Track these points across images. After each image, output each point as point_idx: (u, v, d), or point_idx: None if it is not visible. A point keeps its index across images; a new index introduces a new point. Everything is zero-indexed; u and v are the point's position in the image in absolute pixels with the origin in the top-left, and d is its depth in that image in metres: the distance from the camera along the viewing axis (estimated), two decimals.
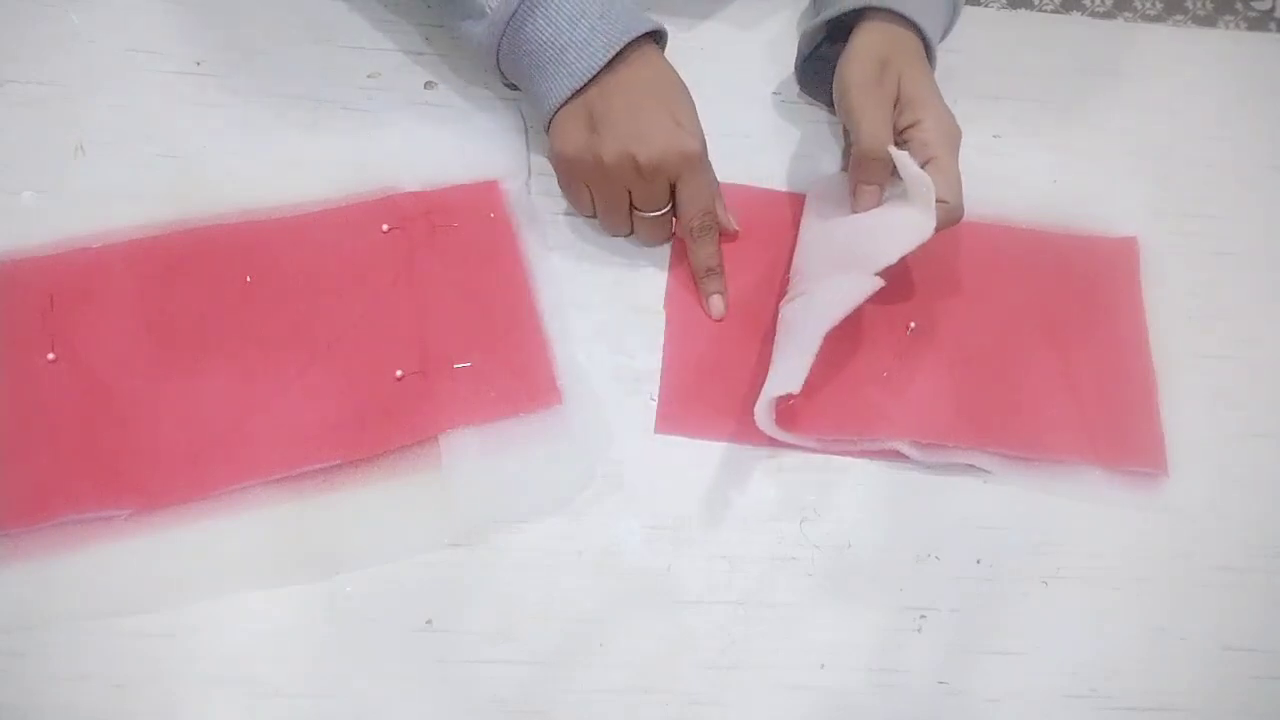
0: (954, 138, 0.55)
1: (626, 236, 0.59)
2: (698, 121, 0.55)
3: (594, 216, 0.58)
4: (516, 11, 0.53)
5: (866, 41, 0.57)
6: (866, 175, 0.56)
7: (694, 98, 0.56)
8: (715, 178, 0.58)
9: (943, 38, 0.61)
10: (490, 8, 0.54)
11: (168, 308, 0.53)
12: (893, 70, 0.56)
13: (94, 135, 0.57)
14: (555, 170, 0.58)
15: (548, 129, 0.56)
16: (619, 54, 0.53)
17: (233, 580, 0.48)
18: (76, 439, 0.49)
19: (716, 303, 0.57)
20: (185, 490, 0.49)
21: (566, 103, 0.54)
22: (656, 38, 0.56)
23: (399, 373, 0.52)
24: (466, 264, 0.56)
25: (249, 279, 0.54)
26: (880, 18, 0.57)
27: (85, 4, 0.60)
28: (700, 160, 0.55)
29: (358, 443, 0.51)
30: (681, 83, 0.56)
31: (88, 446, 0.49)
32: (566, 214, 0.59)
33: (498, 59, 0.56)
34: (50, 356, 0.51)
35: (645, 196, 0.55)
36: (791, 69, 0.64)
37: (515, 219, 0.58)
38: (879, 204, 0.56)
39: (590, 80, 0.53)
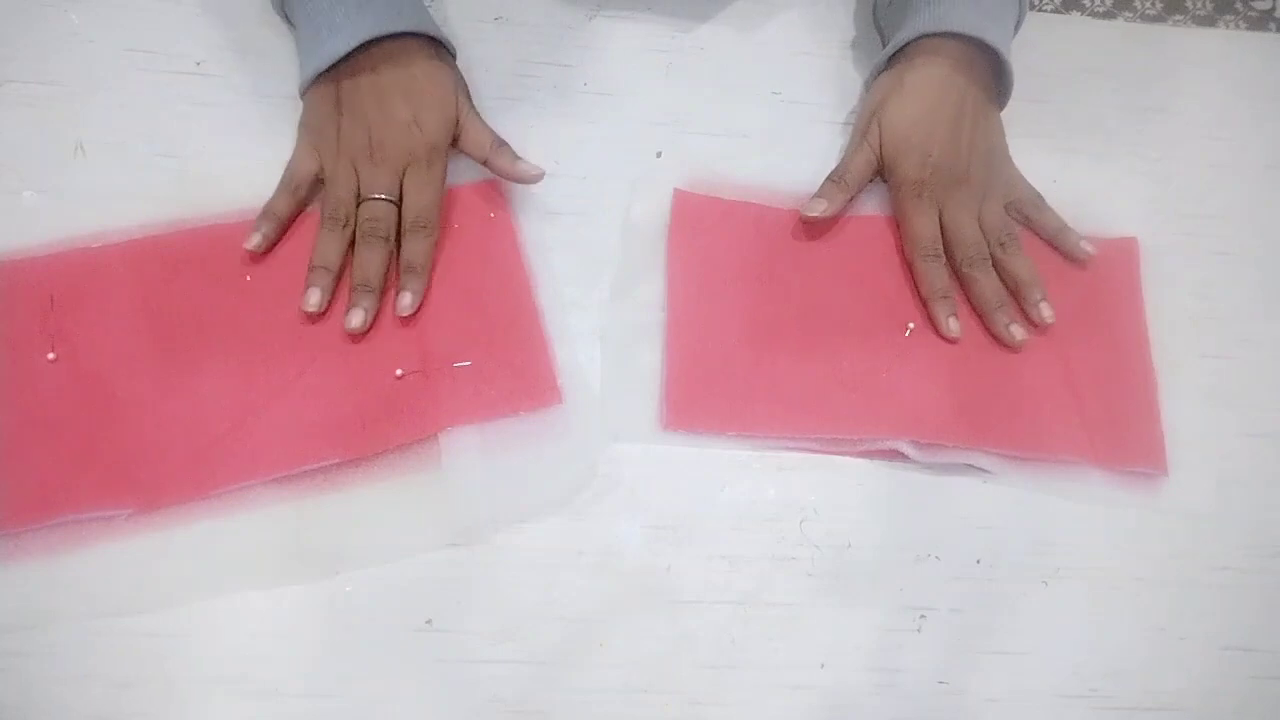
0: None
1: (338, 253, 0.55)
2: (439, 126, 0.56)
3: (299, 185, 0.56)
4: None
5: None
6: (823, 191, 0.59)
7: (694, 98, 0.56)
8: (442, 183, 0.57)
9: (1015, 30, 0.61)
10: None
11: (168, 307, 0.53)
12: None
13: (94, 135, 0.57)
14: (298, 135, 0.58)
15: (302, 96, 0.57)
16: (378, 43, 0.54)
17: (234, 580, 0.48)
18: (77, 438, 0.49)
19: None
20: (186, 490, 0.49)
21: (316, 83, 0.56)
22: (436, 40, 0.57)
23: (399, 371, 0.52)
24: (467, 263, 0.56)
25: (249, 278, 0.54)
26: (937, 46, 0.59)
27: (85, 4, 0.60)
28: (424, 160, 0.55)
29: (358, 442, 0.51)
30: (441, 86, 0.56)
31: (88, 446, 0.49)
32: (567, 214, 0.59)
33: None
34: (51, 356, 0.51)
35: (372, 178, 0.55)
36: (792, 69, 0.64)
37: (515, 219, 0.58)
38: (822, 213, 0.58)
39: (340, 62, 0.54)
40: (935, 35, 0.59)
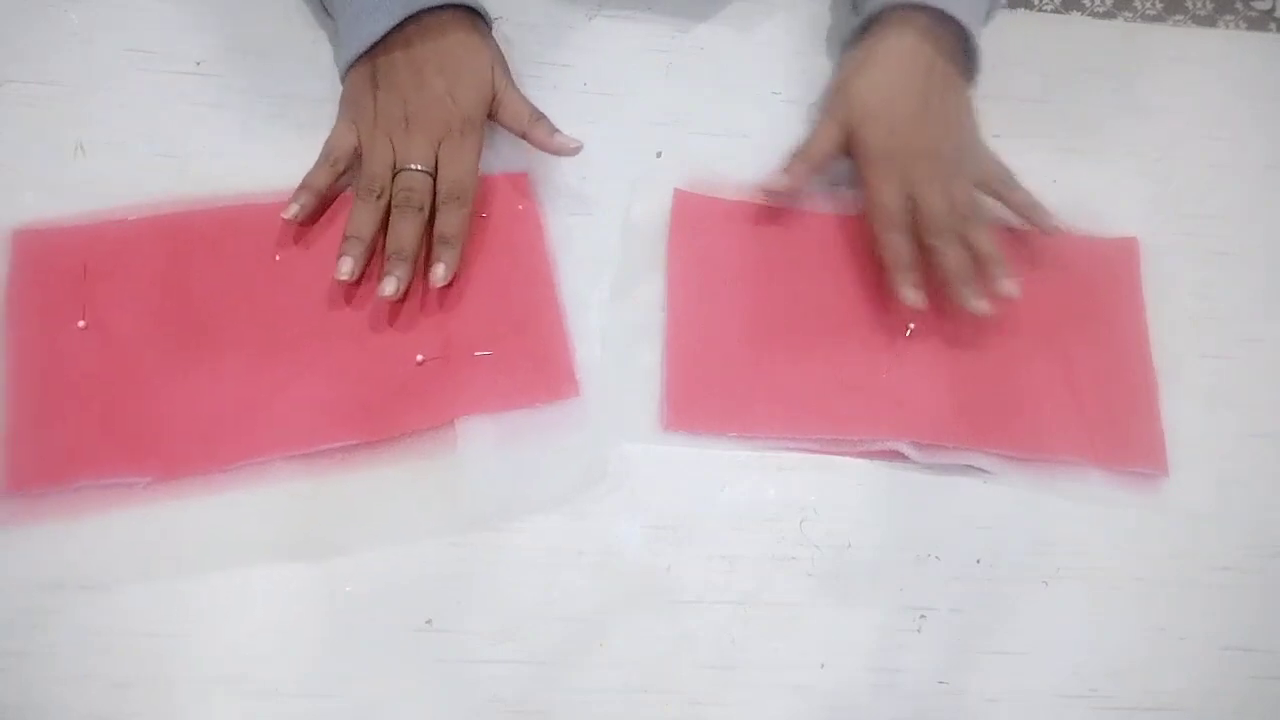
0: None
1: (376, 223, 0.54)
2: (475, 99, 0.56)
3: (341, 159, 0.56)
4: None
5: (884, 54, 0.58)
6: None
7: (694, 98, 0.56)
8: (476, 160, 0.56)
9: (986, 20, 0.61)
10: None
11: (197, 282, 0.53)
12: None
13: (94, 135, 0.57)
14: (338, 112, 0.58)
15: (342, 79, 0.58)
16: (415, 19, 0.54)
17: (245, 553, 0.49)
18: (102, 405, 0.50)
19: (439, 271, 0.53)
20: (204, 461, 0.49)
21: (356, 63, 0.56)
22: (477, 11, 0.57)
23: (420, 357, 0.53)
24: (493, 253, 0.56)
25: (278, 258, 0.54)
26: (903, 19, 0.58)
27: (85, 4, 0.60)
28: (459, 132, 0.55)
29: (375, 425, 0.51)
30: (476, 59, 0.56)
31: (112, 413, 0.50)
32: (587, 213, 0.59)
33: None
34: (81, 324, 0.51)
35: (407, 150, 0.55)
36: (792, 69, 0.64)
37: (543, 211, 0.58)
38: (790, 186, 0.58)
39: (379, 42, 0.55)
40: (902, 6, 0.58)
